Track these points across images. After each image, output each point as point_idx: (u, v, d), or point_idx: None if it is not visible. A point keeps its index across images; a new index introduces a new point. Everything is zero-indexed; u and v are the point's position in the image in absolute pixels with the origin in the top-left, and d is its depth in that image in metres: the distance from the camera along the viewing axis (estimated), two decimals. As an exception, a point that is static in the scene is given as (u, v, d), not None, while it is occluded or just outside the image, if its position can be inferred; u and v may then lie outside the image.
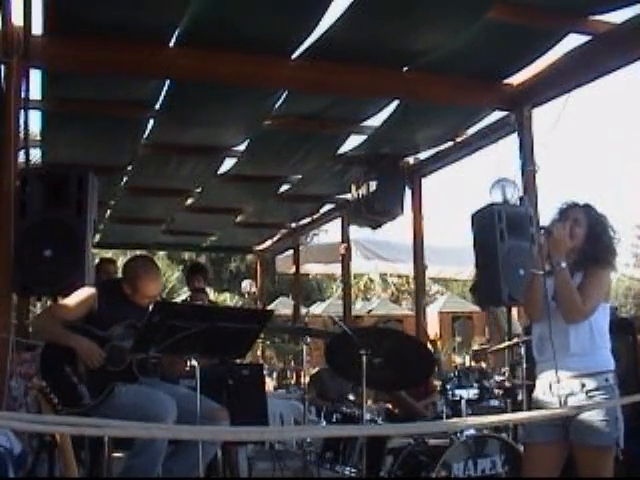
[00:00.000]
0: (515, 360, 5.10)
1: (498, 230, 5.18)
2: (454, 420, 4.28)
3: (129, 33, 4.69)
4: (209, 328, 3.42)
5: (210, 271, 15.64)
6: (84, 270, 4.48)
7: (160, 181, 7.88)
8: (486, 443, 4.19)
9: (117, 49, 4.79)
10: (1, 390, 4.25)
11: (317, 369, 6.21)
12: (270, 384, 9.42)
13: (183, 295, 14.15)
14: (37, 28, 4.57)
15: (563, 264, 3.20)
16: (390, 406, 5.63)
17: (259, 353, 10.81)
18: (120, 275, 4.56)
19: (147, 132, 6.39)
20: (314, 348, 5.99)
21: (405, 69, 5.36)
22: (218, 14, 4.51)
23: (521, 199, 5.42)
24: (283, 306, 15.48)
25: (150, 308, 3.69)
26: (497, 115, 6.13)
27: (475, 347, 7.80)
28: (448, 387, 4.65)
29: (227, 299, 20.15)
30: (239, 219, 9.87)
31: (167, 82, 5.38)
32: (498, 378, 5.04)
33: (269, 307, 12.04)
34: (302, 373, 6.10)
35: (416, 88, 5.45)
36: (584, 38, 4.92)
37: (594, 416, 3.10)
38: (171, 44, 4.88)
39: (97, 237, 9.29)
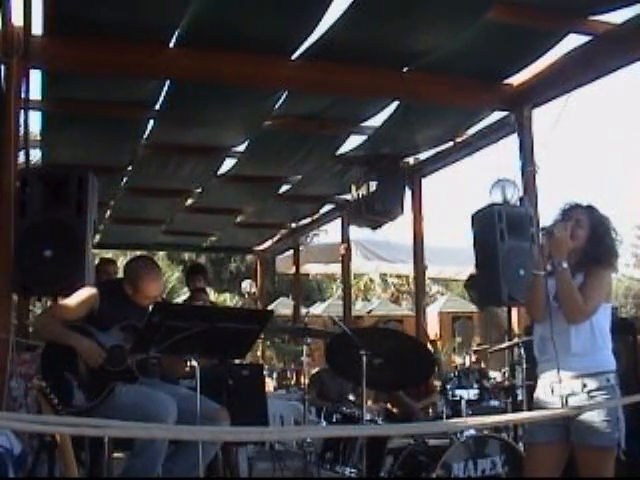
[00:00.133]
0: (515, 360, 5.10)
1: (498, 230, 5.18)
2: (454, 420, 4.28)
3: (129, 33, 4.69)
4: (209, 328, 3.42)
5: (210, 271, 15.66)
6: (84, 270, 4.48)
7: (160, 181, 7.88)
8: (486, 443, 4.20)
9: (117, 49, 4.79)
10: (1, 390, 4.25)
11: (317, 369, 6.20)
12: (270, 384, 9.41)
13: (183, 295, 14.16)
14: (37, 28, 4.58)
15: (564, 264, 3.20)
16: (390, 406, 5.63)
17: (259, 353, 10.81)
18: (120, 275, 4.55)
19: (147, 132, 6.39)
20: (314, 348, 5.99)
21: (405, 69, 5.36)
22: (218, 14, 4.52)
23: (521, 199, 5.43)
24: (283, 306, 15.47)
25: (150, 308, 3.69)
26: (497, 115, 6.13)
27: (474, 347, 7.82)
28: (448, 387, 4.66)
29: (227, 299, 20.13)
30: (239, 219, 9.86)
31: (167, 82, 5.38)
32: (494, 374, 5.05)
33: (269, 307, 12.02)
34: (302, 373, 6.09)
35: (416, 88, 5.44)
36: (584, 38, 4.92)
37: (595, 416, 3.10)
38: (171, 44, 4.89)
39: (97, 237, 9.28)
